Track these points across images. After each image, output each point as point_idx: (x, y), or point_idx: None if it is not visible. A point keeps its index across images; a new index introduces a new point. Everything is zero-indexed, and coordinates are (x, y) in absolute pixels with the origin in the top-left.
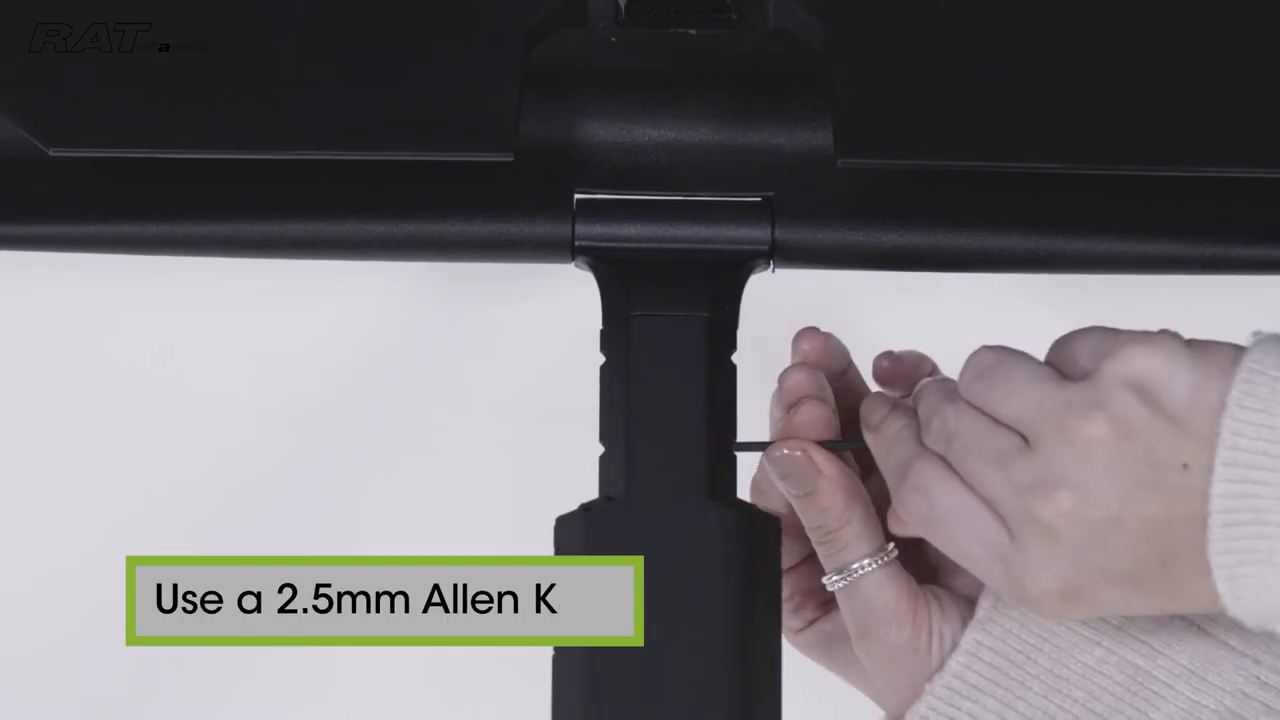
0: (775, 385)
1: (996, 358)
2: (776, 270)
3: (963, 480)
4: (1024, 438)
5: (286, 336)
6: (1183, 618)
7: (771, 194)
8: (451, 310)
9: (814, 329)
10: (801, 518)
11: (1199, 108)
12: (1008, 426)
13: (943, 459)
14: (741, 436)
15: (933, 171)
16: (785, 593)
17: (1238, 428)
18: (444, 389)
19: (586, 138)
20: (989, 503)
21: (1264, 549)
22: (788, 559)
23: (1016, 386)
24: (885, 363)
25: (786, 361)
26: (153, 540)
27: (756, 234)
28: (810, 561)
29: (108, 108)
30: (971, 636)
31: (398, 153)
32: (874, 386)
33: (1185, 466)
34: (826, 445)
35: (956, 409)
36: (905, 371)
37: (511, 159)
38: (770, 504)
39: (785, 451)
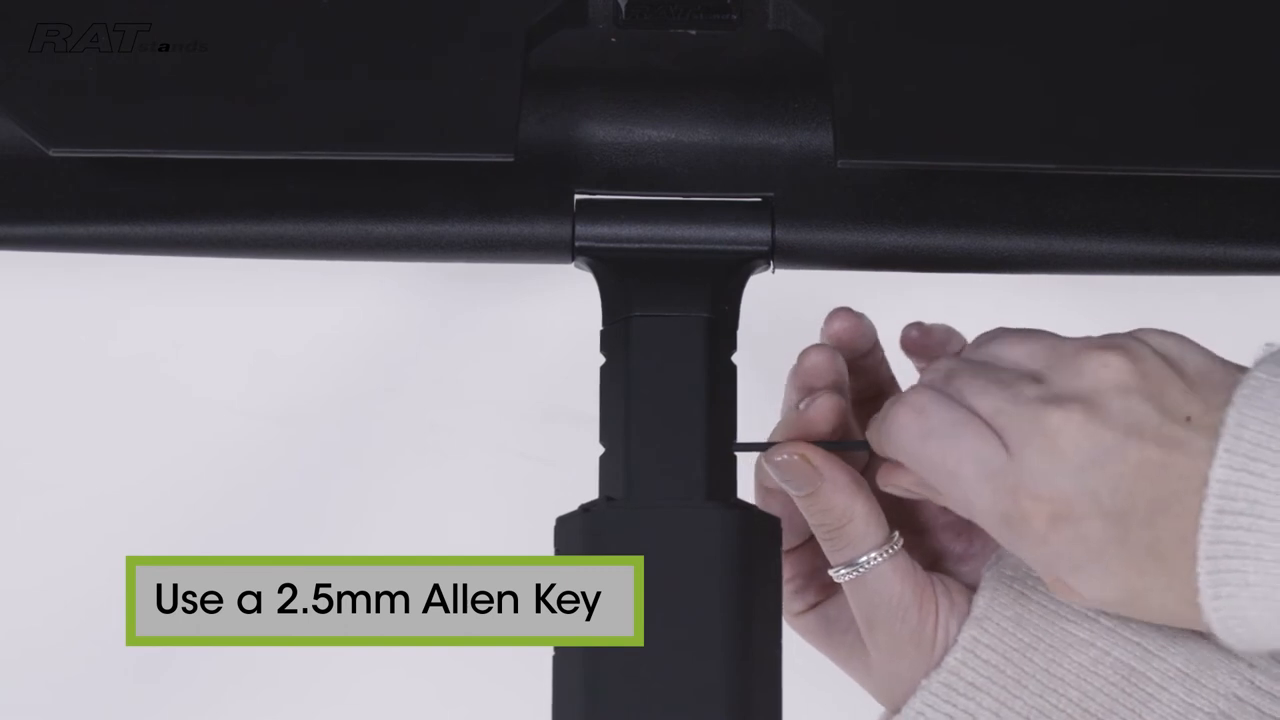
0: (794, 361)
1: (1004, 328)
2: (776, 271)
3: (961, 403)
4: (1032, 376)
5: (287, 336)
6: None
7: (771, 194)
8: (452, 310)
9: (846, 309)
10: (805, 515)
11: (1198, 108)
12: (1016, 368)
13: (942, 392)
14: (742, 436)
15: (932, 172)
16: (786, 574)
17: (1243, 419)
18: (444, 389)
19: (586, 138)
20: (989, 419)
21: (1251, 543)
22: (790, 540)
23: (1029, 336)
24: (914, 333)
25: (787, 362)
26: (153, 540)
27: (756, 234)
28: (812, 543)
29: (108, 108)
30: (969, 633)
31: (398, 153)
32: (897, 358)
33: (1188, 419)
34: (827, 446)
35: (958, 359)
36: (933, 344)
37: (511, 159)
38: (771, 485)
39: (784, 456)
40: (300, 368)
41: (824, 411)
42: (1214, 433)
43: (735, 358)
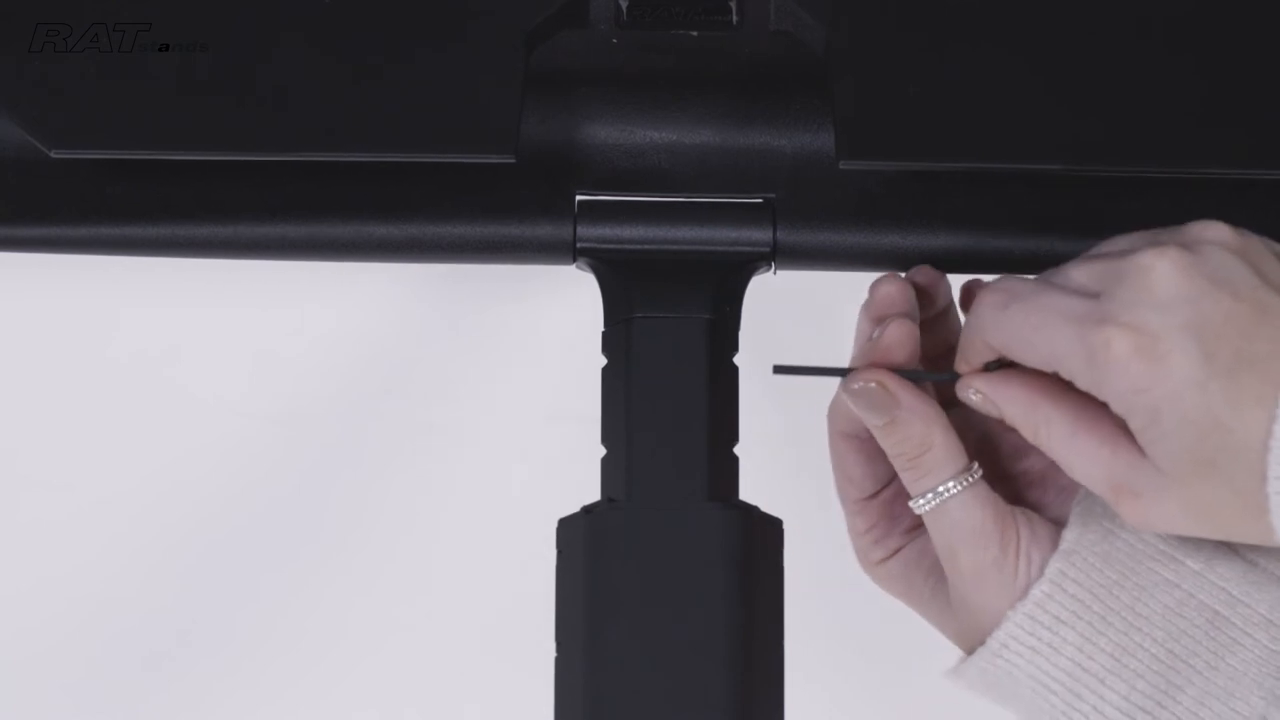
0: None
1: None
2: (778, 272)
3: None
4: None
5: (287, 337)
6: (1265, 569)
7: (773, 195)
8: (453, 312)
9: (929, 267)
10: (883, 445)
11: (1199, 108)
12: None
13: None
14: (743, 438)
15: (933, 173)
16: (868, 523)
17: None
18: (445, 390)
19: (588, 139)
20: (1079, 286)
21: None
22: (867, 488)
23: (1122, 238)
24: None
25: (788, 362)
26: (153, 540)
27: (758, 235)
28: (887, 490)
29: (108, 108)
30: (1056, 566)
31: (399, 154)
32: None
33: None
34: (905, 375)
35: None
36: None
37: (513, 160)
38: (847, 429)
39: (861, 384)
40: (300, 369)
41: (897, 336)
42: None
43: (737, 359)
